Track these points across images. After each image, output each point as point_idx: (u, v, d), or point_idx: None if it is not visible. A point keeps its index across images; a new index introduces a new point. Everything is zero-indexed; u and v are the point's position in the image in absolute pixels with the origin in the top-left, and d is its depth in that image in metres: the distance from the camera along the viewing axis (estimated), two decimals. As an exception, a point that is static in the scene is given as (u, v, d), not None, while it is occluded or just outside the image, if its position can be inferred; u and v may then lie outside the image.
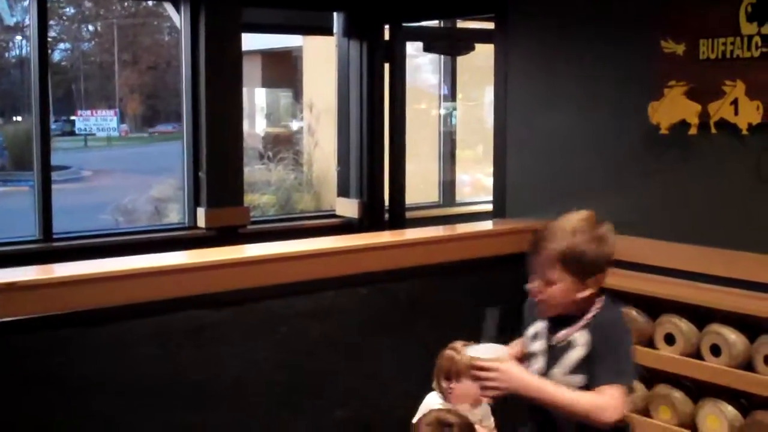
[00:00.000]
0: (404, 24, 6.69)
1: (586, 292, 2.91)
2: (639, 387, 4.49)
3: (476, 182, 9.04)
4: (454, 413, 3.48)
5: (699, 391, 4.30)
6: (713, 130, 4.33)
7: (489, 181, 8.32)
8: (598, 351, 2.84)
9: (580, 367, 2.87)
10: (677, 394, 4.33)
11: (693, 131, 4.40)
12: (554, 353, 2.97)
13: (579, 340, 2.90)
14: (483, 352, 3.10)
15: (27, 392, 3.55)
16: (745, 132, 4.21)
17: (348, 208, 6.77)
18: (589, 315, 2.91)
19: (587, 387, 2.82)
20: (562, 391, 2.81)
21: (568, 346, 2.92)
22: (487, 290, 4.89)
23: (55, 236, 5.55)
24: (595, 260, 2.92)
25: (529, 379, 2.91)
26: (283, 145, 12.07)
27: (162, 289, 3.87)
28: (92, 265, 3.91)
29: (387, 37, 6.68)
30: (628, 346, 2.89)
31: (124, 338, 3.77)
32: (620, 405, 2.75)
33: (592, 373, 2.82)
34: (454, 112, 8.27)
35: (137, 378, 3.80)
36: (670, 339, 4.33)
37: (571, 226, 3.05)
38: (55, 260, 4.94)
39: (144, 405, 3.80)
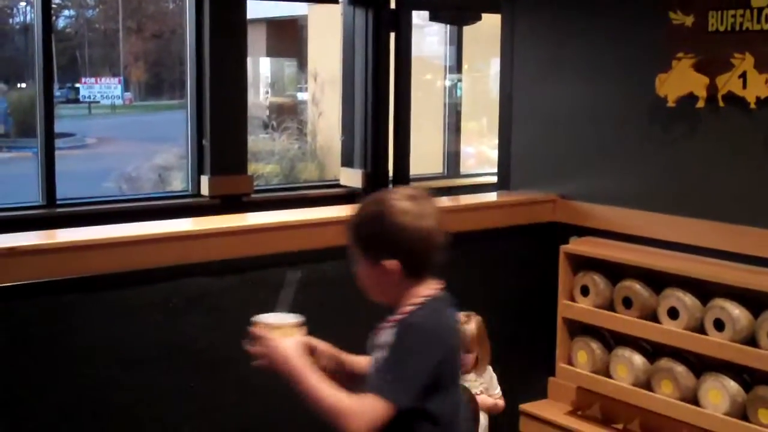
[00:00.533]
0: (410, -7, 6.66)
1: (393, 280, 2.53)
2: (641, 360, 4.49)
3: (480, 154, 9.02)
4: None
5: (702, 365, 4.29)
6: (721, 104, 4.30)
7: (493, 154, 8.32)
8: (387, 355, 2.45)
9: None
10: (680, 369, 4.32)
11: (701, 104, 4.37)
12: (373, 351, 2.63)
13: (382, 339, 2.55)
14: (272, 319, 2.79)
15: (29, 358, 3.54)
16: (753, 106, 4.18)
17: (352, 178, 6.76)
18: (400, 313, 2.53)
19: None
20: (322, 385, 2.47)
21: (377, 345, 2.58)
22: (491, 261, 4.89)
23: (58, 202, 5.54)
24: (392, 239, 2.51)
25: (294, 362, 2.54)
26: (287, 114, 12.03)
27: (166, 256, 3.86)
28: (95, 231, 3.91)
29: (393, 5, 6.63)
30: (422, 360, 2.41)
31: (127, 304, 3.77)
32: (370, 419, 2.36)
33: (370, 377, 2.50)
34: (459, 83, 8.23)
35: (141, 344, 3.79)
36: (673, 313, 4.32)
37: (378, 197, 2.62)
38: (58, 226, 4.95)
39: (148, 371, 3.80)
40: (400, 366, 2.41)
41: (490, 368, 4.10)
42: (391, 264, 2.50)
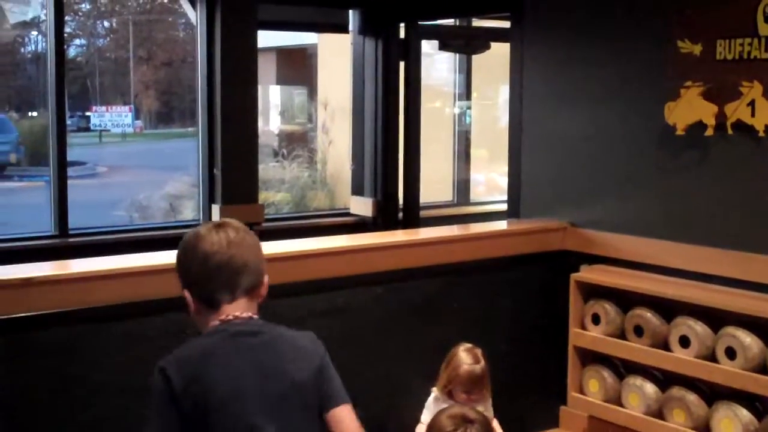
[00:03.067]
0: (420, 22, 6.69)
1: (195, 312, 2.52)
2: (653, 389, 4.48)
3: (490, 181, 9.04)
4: (474, 410, 3.49)
5: (713, 394, 4.28)
6: (730, 132, 4.31)
7: (503, 181, 8.34)
8: None
9: None
10: (691, 397, 4.31)
11: (709, 132, 4.38)
12: None
13: None
14: None
15: (43, 388, 3.55)
16: (762, 134, 4.19)
17: (362, 206, 6.78)
18: None
19: None
20: None
21: None
22: (502, 290, 4.90)
23: (71, 232, 5.57)
24: (180, 267, 2.57)
25: None
26: (297, 142, 12.09)
27: (179, 286, 3.87)
28: (109, 262, 3.92)
29: (403, 35, 6.68)
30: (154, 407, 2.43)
31: (141, 335, 3.77)
32: None
33: None
34: (469, 110, 8.27)
35: (149, 375, 3.79)
36: (684, 341, 4.31)
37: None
38: (70, 256, 4.97)
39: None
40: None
41: (489, 402, 4.12)
42: (187, 295, 2.51)
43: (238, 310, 2.46)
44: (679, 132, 4.49)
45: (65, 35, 5.71)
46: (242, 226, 2.59)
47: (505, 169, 5.68)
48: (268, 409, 2.39)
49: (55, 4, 5.49)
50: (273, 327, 2.57)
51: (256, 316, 2.51)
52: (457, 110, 8.27)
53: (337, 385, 2.66)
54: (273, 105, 13.71)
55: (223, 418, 2.32)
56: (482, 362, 4.00)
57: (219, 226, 2.54)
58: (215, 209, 5.94)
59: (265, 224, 6.10)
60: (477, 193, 8.44)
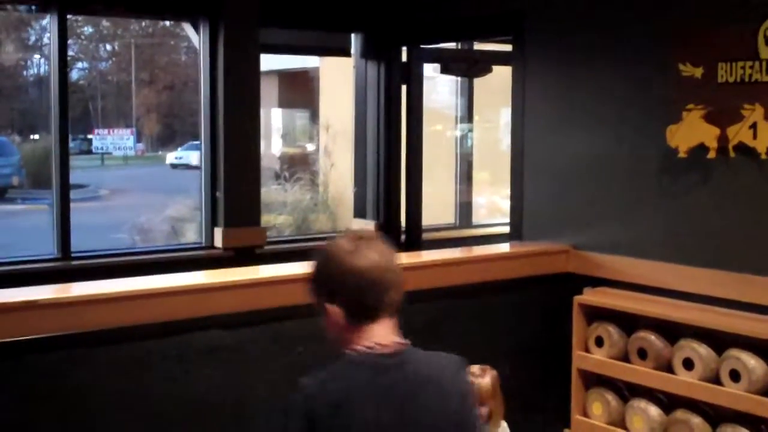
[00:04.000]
0: (422, 45, 6.71)
1: (338, 327, 2.38)
2: (657, 412, 4.47)
3: (491, 204, 9.04)
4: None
5: (718, 416, 4.27)
6: (732, 154, 4.33)
7: (504, 204, 8.33)
8: None
9: None
10: (696, 420, 4.30)
11: (712, 155, 4.39)
12: None
13: None
14: None
15: (45, 411, 3.55)
16: (764, 156, 4.21)
17: (364, 229, 6.78)
18: None
19: None
20: None
21: None
22: (505, 312, 4.89)
23: (73, 255, 5.57)
24: (330, 281, 2.36)
25: None
26: (299, 165, 12.12)
27: (181, 309, 3.87)
28: (111, 285, 3.92)
29: (405, 58, 6.70)
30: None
31: (142, 358, 3.78)
32: None
33: None
34: (470, 133, 8.28)
35: (154, 398, 3.80)
36: (688, 364, 4.31)
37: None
38: (73, 279, 4.96)
39: (161, 425, 3.79)
40: None
41: (504, 422, 4.08)
42: (334, 310, 2.35)
43: (383, 330, 2.35)
44: (682, 155, 4.51)
45: (67, 58, 5.73)
46: (383, 239, 2.43)
47: (507, 191, 5.68)
48: None
49: (58, 27, 5.51)
50: (418, 358, 2.42)
51: (398, 340, 2.38)
52: (458, 133, 8.29)
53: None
54: (275, 128, 13.75)
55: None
56: (488, 379, 3.96)
57: (364, 239, 2.39)
58: (218, 232, 5.93)
59: (267, 247, 6.09)
60: (479, 215, 8.43)
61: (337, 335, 2.39)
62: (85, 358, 3.65)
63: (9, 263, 5.43)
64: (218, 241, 5.92)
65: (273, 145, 13.66)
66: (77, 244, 5.65)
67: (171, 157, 24.06)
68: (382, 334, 2.34)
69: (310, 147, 13.38)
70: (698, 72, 4.43)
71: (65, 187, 5.58)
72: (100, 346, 3.67)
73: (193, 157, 23.04)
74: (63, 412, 3.59)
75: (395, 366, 2.32)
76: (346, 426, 2.23)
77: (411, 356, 2.38)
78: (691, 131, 4.46)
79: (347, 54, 6.88)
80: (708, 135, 4.39)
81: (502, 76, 7.15)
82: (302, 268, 4.39)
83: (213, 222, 6.00)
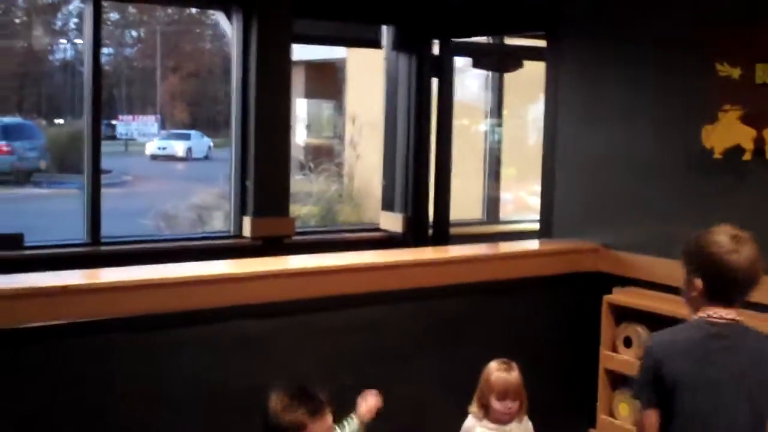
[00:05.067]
0: (453, 39, 6.69)
1: (697, 296, 2.99)
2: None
3: (518, 200, 9.01)
4: None
5: (746, 419, 4.23)
6: (768, 156, 4.29)
7: (531, 200, 8.30)
8: None
9: None
10: (724, 422, 4.27)
11: (747, 157, 4.36)
12: None
13: None
14: None
15: (76, 396, 3.57)
16: (800, 159, 4.17)
17: (392, 222, 6.77)
18: None
19: None
20: None
21: None
22: (533, 310, 4.88)
23: (103, 240, 5.59)
24: (701, 262, 3.02)
25: None
26: (324, 156, 12.12)
27: (211, 298, 3.89)
28: (142, 272, 3.94)
29: (436, 51, 6.68)
30: (642, 367, 3.00)
31: (172, 345, 3.79)
32: (639, 420, 2.99)
33: None
34: (498, 128, 8.26)
35: (184, 385, 3.81)
36: (718, 366, 4.27)
37: (706, 231, 3.10)
38: (102, 264, 4.99)
39: (190, 412, 3.81)
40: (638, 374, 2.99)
41: (527, 418, 4.07)
42: (697, 282, 2.93)
43: (728, 308, 2.91)
44: (717, 156, 4.47)
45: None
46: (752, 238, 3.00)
47: (534, 187, 5.66)
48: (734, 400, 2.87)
49: (93, 15, 5.52)
50: (747, 331, 2.96)
51: (736, 317, 2.93)
52: (487, 128, 8.26)
53: None
54: (300, 118, 13.74)
55: (691, 396, 2.84)
56: (516, 372, 3.95)
57: (743, 239, 2.98)
58: (246, 221, 5.94)
59: (295, 237, 6.10)
60: (506, 211, 8.40)
61: (691, 301, 2.99)
62: (115, 345, 3.67)
63: (40, 247, 5.46)
64: (246, 230, 5.93)
65: (297, 136, 13.65)
66: (104, 229, 5.67)
67: (151, 146, 22.15)
68: (726, 311, 2.91)
69: (335, 138, 13.38)
70: (735, 72, 4.39)
71: (96, 173, 5.60)
72: (130, 332, 3.70)
73: (178, 147, 22.08)
74: (92, 398, 3.61)
75: (726, 334, 2.89)
76: (678, 372, 2.83)
77: (741, 329, 2.94)
78: (727, 132, 4.42)
79: (378, 46, 6.87)
80: (744, 136, 4.35)
81: (531, 71, 7.14)
82: (331, 260, 4.44)
83: (242, 211, 6.01)
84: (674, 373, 2.85)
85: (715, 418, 2.85)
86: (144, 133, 21.37)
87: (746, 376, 2.87)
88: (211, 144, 22.61)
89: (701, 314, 2.93)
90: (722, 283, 2.91)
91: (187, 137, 22.80)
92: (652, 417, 2.90)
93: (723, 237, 2.95)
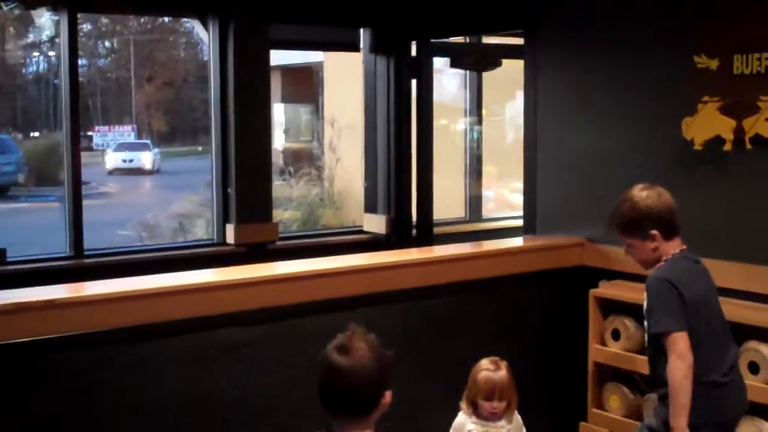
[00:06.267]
0: (431, 40, 6.70)
1: (656, 245, 3.59)
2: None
3: (500, 197, 9.04)
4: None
5: (736, 408, 4.25)
6: (748, 146, 4.31)
7: (512, 197, 8.33)
8: (647, 305, 3.59)
9: None
10: (714, 412, 4.29)
11: (728, 147, 4.38)
12: None
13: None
14: None
15: (62, 410, 3.55)
16: (781, 148, 4.20)
17: (375, 223, 6.77)
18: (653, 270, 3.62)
19: None
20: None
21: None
22: (520, 307, 4.89)
23: (86, 253, 5.56)
24: (648, 216, 3.60)
25: None
26: (303, 160, 12.12)
27: (198, 307, 3.88)
28: (128, 283, 3.92)
29: (414, 52, 6.69)
30: (665, 297, 3.51)
31: (159, 356, 3.78)
32: (679, 351, 3.43)
33: None
34: (478, 127, 8.28)
35: (172, 395, 3.80)
36: (706, 356, 4.29)
37: (624, 197, 3.71)
38: (87, 277, 4.95)
39: (180, 422, 3.80)
40: (658, 307, 3.47)
41: (517, 413, 4.08)
42: (654, 233, 3.52)
43: (680, 240, 3.59)
44: (697, 147, 4.49)
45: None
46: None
47: (515, 184, 5.68)
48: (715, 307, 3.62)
49: (69, 27, 5.49)
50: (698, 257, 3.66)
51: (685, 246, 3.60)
52: (466, 127, 8.28)
53: None
54: (277, 123, 13.73)
55: (696, 312, 3.45)
56: (504, 371, 3.96)
57: (656, 187, 3.64)
58: (229, 228, 5.93)
59: (279, 243, 6.09)
60: (487, 209, 8.42)
61: (650, 254, 3.57)
62: (103, 356, 3.65)
63: (23, 261, 5.43)
64: (230, 238, 5.92)
65: (276, 140, 13.64)
66: (86, 241, 5.64)
67: (113, 158, 19.91)
68: (681, 242, 3.59)
69: (313, 142, 13.37)
70: (714, 64, 4.42)
71: (77, 185, 5.57)
72: (118, 344, 3.68)
73: (146, 158, 20.07)
74: (83, 410, 3.59)
75: (695, 260, 3.61)
76: (689, 294, 3.44)
77: (696, 256, 3.64)
78: (706, 123, 4.44)
79: (356, 49, 6.87)
80: (724, 127, 4.38)
81: (509, 69, 7.15)
82: (316, 264, 4.43)
83: (224, 218, 5.99)
84: (687, 296, 3.43)
85: (713, 323, 3.53)
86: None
87: (711, 287, 3.62)
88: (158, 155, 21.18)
89: (673, 252, 3.56)
90: (671, 221, 3.56)
91: (147, 147, 21.40)
92: (686, 337, 3.40)
93: (647, 191, 3.61)
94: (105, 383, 3.65)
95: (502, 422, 3.98)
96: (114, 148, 20.40)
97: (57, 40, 5.75)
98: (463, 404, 4.00)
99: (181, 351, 3.84)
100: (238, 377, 3.97)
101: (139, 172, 19.99)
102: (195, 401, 3.84)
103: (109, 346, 3.66)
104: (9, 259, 5.41)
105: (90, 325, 3.61)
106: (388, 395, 2.93)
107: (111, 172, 19.73)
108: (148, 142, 21.74)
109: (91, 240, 5.75)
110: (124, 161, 20.17)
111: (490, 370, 3.95)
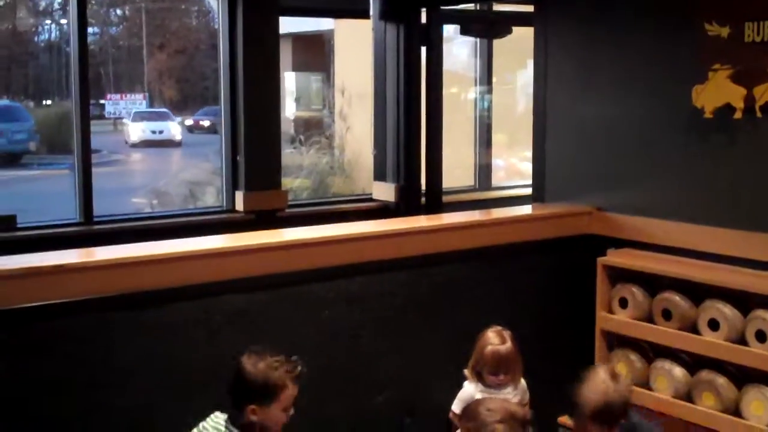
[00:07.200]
0: (442, 7, 6.66)
1: None
2: (681, 373, 4.47)
3: (510, 166, 9.02)
4: (517, 405, 3.44)
5: (743, 377, 4.27)
6: (759, 114, 4.29)
7: (523, 166, 8.30)
8: None
9: None
10: (721, 380, 4.30)
11: (738, 115, 4.36)
12: None
13: None
14: None
15: (73, 374, 3.58)
16: (791, 116, 4.17)
17: (385, 191, 6.77)
18: None
19: None
20: None
21: None
22: (528, 274, 4.89)
23: (95, 219, 5.58)
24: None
25: None
26: (313, 129, 12.09)
27: (205, 273, 3.89)
28: (137, 249, 3.93)
29: (424, 20, 6.65)
30: None
31: (168, 321, 3.80)
32: None
33: None
34: (489, 95, 8.24)
35: (180, 360, 3.82)
36: (714, 324, 4.30)
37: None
38: (96, 243, 4.98)
39: (186, 387, 3.82)
40: None
41: (523, 381, 4.10)
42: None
43: None
44: (707, 115, 4.47)
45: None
46: None
47: (525, 153, 5.67)
48: None
49: (78, -7, 5.50)
50: None
51: None
52: (477, 95, 8.24)
53: None
54: (288, 91, 13.70)
55: None
56: (509, 343, 3.97)
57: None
58: (239, 196, 5.94)
59: (288, 210, 6.10)
60: (497, 177, 8.40)
61: None
62: (111, 322, 3.67)
63: (33, 228, 5.46)
64: (239, 205, 5.94)
65: (287, 109, 13.61)
66: (97, 208, 5.66)
67: (137, 129, 17.95)
68: None
69: (324, 110, 13.34)
70: (724, 31, 4.38)
71: (87, 152, 5.59)
72: (126, 309, 3.69)
73: (175, 129, 18.18)
74: (90, 375, 3.61)
75: None
76: None
77: None
78: (717, 91, 4.42)
79: (366, 16, 6.83)
80: (734, 95, 4.35)
81: (519, 36, 7.11)
82: (324, 231, 4.44)
83: (234, 186, 6.00)
84: None
85: None
86: (132, 111, 21.08)
87: None
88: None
89: None
90: None
91: (168, 116, 19.85)
92: None
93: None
94: (112, 348, 3.67)
95: (508, 389, 4.00)
96: (132, 117, 19.04)
97: (68, 7, 5.74)
98: (468, 373, 4.02)
99: (188, 317, 3.85)
100: (245, 343, 3.98)
101: (169, 144, 18.38)
102: (202, 367, 3.86)
103: (117, 311, 3.67)
104: (19, 225, 5.43)
105: (98, 290, 3.62)
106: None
107: (135, 144, 18.44)
108: (168, 111, 20.46)
109: (104, 207, 5.77)
110: (154, 132, 18.59)
111: (495, 343, 3.95)
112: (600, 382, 3.51)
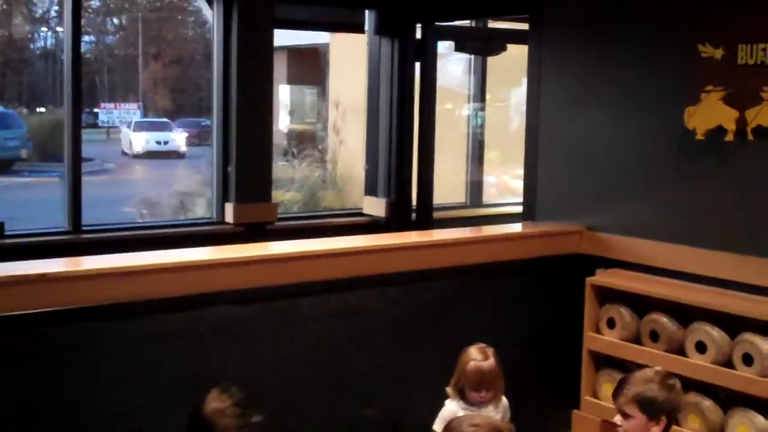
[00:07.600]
0: (436, 23, 6.66)
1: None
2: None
3: (502, 183, 9.01)
4: (500, 422, 3.40)
5: (729, 400, 4.26)
6: (750, 137, 4.30)
7: (514, 183, 8.29)
8: None
9: None
10: (707, 403, 4.29)
11: (730, 137, 4.36)
12: None
13: None
14: None
15: (55, 384, 3.55)
16: (783, 139, 4.18)
17: (375, 206, 6.76)
18: None
19: None
20: None
21: None
22: (516, 293, 4.88)
23: (84, 228, 5.55)
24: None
25: None
26: (307, 142, 12.09)
27: (192, 285, 3.87)
28: (123, 259, 3.92)
29: (419, 35, 6.66)
30: None
31: (152, 332, 3.77)
32: None
33: None
34: (482, 112, 8.24)
35: (164, 372, 3.79)
36: (701, 347, 4.30)
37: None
38: (83, 252, 4.97)
39: (171, 399, 3.79)
40: None
41: (504, 399, 4.08)
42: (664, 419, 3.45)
43: None
44: (699, 137, 4.47)
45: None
46: None
47: (517, 171, 5.66)
48: None
49: (73, 1, 5.48)
50: None
51: None
52: (470, 112, 8.24)
53: None
54: (282, 104, 13.70)
55: None
56: (492, 360, 3.94)
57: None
58: (228, 207, 5.92)
59: (278, 223, 6.08)
60: (489, 194, 8.40)
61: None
62: (96, 332, 3.64)
63: (20, 236, 5.42)
64: (229, 217, 5.91)
65: (280, 122, 13.60)
66: (86, 217, 5.63)
67: (140, 139, 16.88)
68: None
69: (318, 124, 13.34)
70: (718, 53, 4.39)
71: (77, 161, 5.56)
72: (112, 319, 3.67)
73: (180, 140, 17.28)
74: (74, 385, 3.59)
75: None
76: None
77: None
78: (709, 113, 4.42)
79: (361, 30, 6.83)
80: (726, 117, 4.36)
81: (514, 54, 7.12)
82: (313, 245, 4.42)
83: (224, 197, 5.98)
84: None
85: None
86: (126, 121, 21.01)
87: None
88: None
89: None
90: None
91: (169, 126, 19.32)
92: None
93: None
94: (97, 358, 3.65)
95: (490, 408, 3.98)
96: (133, 127, 18.41)
97: (63, 15, 5.73)
98: (450, 391, 4.00)
99: (174, 328, 3.83)
100: (231, 355, 3.97)
101: (173, 155, 17.28)
102: (187, 378, 3.83)
103: (102, 321, 3.65)
104: (7, 233, 5.40)
105: (83, 300, 3.60)
106: None
107: (139, 155, 17.62)
108: (169, 120, 19.94)
109: (94, 216, 5.73)
110: (158, 143, 17.74)
111: (478, 359, 3.93)
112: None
